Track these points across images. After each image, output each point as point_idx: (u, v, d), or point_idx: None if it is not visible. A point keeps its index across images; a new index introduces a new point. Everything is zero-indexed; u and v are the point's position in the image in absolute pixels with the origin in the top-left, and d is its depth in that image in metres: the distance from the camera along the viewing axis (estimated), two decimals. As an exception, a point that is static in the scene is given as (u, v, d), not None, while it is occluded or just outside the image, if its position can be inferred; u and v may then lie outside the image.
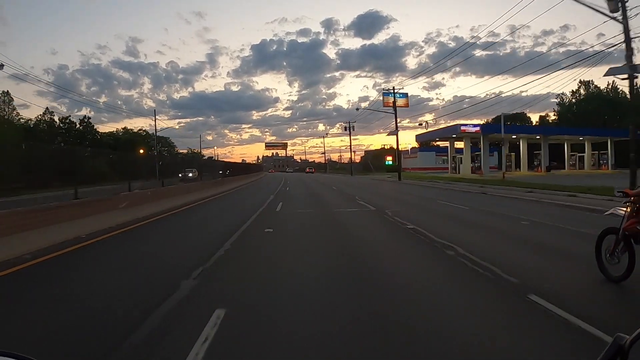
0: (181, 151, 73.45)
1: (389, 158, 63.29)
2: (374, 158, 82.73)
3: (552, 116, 65.35)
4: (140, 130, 67.04)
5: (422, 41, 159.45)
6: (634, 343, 0.75)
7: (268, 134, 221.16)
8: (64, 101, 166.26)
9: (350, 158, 68.12)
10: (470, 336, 3.15)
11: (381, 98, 41.04)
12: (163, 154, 55.53)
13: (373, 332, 3.24)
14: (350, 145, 65.99)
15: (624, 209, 4.43)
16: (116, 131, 67.75)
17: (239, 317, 3.59)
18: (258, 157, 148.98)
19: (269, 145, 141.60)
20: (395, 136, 39.75)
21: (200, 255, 6.26)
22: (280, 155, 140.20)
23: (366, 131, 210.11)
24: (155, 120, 48.67)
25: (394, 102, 38.70)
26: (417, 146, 62.47)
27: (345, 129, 59.35)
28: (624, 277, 4.25)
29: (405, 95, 43.45)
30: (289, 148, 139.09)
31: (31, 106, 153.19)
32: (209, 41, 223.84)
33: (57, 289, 4.75)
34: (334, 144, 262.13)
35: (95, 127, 60.15)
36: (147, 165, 18.41)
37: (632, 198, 4.28)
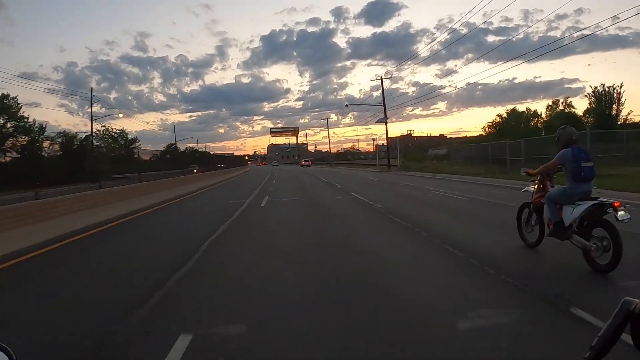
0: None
1: None
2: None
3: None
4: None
5: (434, 27, 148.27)
6: None
7: (280, 125, 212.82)
8: (75, 98, 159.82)
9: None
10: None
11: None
12: None
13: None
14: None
15: (534, 186, 5.24)
16: None
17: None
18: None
19: (274, 132, 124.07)
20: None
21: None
22: (291, 143, 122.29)
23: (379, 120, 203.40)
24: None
25: None
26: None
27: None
28: (537, 243, 5.10)
29: None
30: (301, 140, 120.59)
31: (41, 105, 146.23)
32: (218, 33, 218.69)
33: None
34: (347, 134, 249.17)
35: None
36: None
37: (538, 177, 5.09)
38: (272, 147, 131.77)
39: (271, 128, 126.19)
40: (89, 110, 32.57)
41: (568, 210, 4.43)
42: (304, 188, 17.94)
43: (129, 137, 39.37)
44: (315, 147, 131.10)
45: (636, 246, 4.86)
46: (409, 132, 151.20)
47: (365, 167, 49.48)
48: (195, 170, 26.05)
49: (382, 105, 35.27)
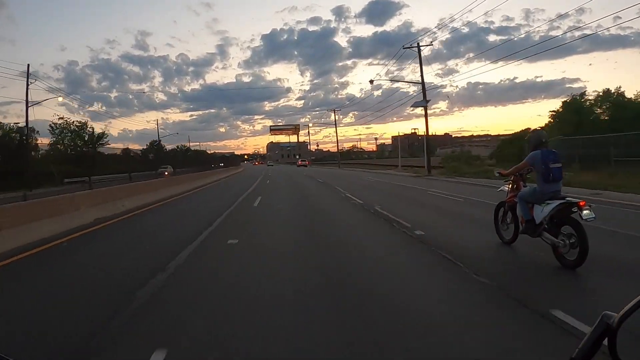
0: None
1: None
2: None
3: None
4: None
5: (435, 27, 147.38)
6: (623, 321, 0.72)
7: (281, 124, 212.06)
8: (76, 97, 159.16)
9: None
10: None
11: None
12: None
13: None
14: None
15: (508, 186, 5.53)
16: None
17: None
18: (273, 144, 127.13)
19: (274, 129, 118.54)
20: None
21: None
22: (292, 142, 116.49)
23: (380, 120, 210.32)
24: None
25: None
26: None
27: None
28: (512, 240, 5.36)
29: None
30: (302, 139, 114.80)
31: (42, 103, 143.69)
32: (219, 32, 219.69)
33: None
34: (347, 134, 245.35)
35: None
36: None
37: (512, 177, 5.39)
38: (271, 146, 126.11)
39: (271, 126, 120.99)
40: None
41: (538, 209, 4.66)
42: (329, 240, 6.55)
43: (96, 132, 31.96)
44: (318, 145, 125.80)
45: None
46: (413, 130, 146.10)
47: (383, 168, 39.53)
48: (166, 173, 20.34)
49: (420, 83, 25.64)
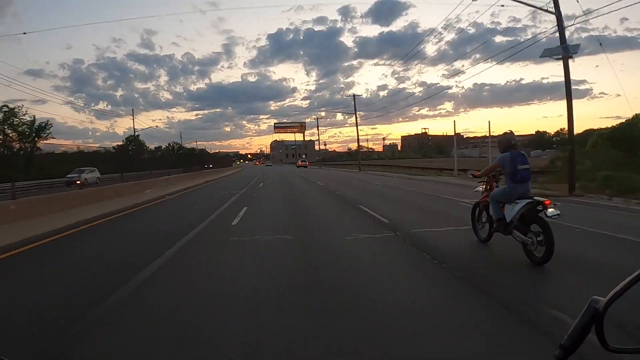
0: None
1: None
2: None
3: None
4: None
5: (442, 27, 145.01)
6: (609, 306, 0.71)
7: (286, 122, 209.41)
8: (81, 95, 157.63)
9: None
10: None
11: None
12: None
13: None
14: None
15: (482, 186, 5.75)
16: None
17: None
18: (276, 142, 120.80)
19: (279, 127, 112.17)
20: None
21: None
22: (297, 140, 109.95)
23: (384, 120, 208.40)
24: None
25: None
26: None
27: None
28: (487, 239, 5.52)
29: None
30: (308, 137, 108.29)
31: (48, 102, 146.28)
32: (225, 31, 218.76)
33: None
34: (353, 134, 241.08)
35: None
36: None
37: (485, 178, 5.63)
38: (275, 144, 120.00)
39: (275, 123, 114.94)
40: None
41: (509, 208, 4.86)
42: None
43: (36, 123, 25.62)
44: (325, 144, 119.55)
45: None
46: (423, 130, 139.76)
47: (423, 172, 30.06)
48: (78, 182, 16.04)
49: (554, 12, 13.34)
